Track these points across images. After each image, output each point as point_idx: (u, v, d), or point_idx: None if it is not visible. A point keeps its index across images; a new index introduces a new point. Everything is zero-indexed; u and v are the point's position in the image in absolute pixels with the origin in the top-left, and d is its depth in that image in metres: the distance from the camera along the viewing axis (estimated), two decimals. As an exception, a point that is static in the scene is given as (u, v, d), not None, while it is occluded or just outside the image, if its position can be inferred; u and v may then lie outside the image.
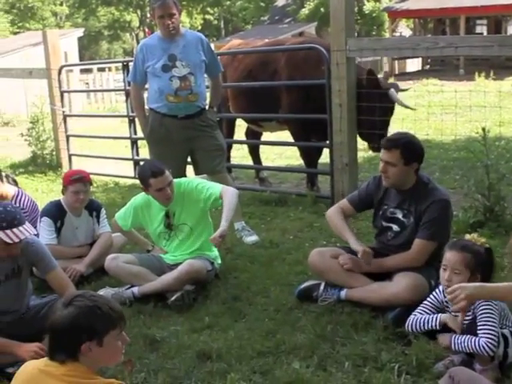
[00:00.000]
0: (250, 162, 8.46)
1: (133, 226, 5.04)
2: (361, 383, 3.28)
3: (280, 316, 4.11)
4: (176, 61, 5.45)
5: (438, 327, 3.42)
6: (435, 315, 3.47)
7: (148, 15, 46.52)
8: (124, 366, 3.58)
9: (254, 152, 8.30)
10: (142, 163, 6.29)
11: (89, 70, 23.31)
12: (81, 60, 28.61)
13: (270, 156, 9.84)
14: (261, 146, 8.53)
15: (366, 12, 36.92)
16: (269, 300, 4.37)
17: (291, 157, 9.51)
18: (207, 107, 5.77)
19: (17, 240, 3.67)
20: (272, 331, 3.89)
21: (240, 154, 9.59)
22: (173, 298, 4.38)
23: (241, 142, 8.94)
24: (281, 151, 10.07)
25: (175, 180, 4.82)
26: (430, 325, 3.45)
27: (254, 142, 8.24)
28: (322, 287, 4.21)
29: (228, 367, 3.50)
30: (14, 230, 3.67)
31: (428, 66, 31.52)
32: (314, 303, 4.18)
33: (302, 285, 4.34)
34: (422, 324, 3.49)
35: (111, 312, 2.41)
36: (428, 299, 3.61)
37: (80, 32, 27.32)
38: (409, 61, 31.10)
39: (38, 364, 2.43)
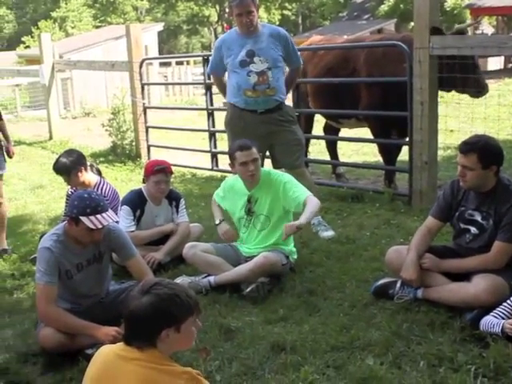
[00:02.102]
0: (326, 157, 8.43)
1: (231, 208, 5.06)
2: None
3: (355, 312, 4.09)
4: (254, 56, 5.50)
5: (500, 334, 3.35)
6: (500, 321, 3.40)
7: (226, 10, 46.86)
8: (199, 354, 3.67)
9: (332, 147, 8.27)
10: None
11: (167, 64, 23.66)
12: (160, 54, 29.08)
13: (347, 152, 9.78)
14: (338, 142, 8.48)
15: (448, 9, 36.13)
16: (344, 295, 4.36)
17: (368, 153, 9.44)
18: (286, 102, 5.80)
19: (100, 226, 3.79)
20: (346, 326, 3.88)
21: (317, 149, 9.56)
22: (248, 290, 4.43)
23: (320, 138, 8.91)
24: (358, 147, 10.01)
25: (266, 168, 4.87)
26: (494, 329, 3.39)
27: (332, 137, 8.20)
28: (398, 285, 4.16)
29: (302, 360, 3.52)
30: (98, 216, 3.79)
31: (511, 65, 30.62)
32: (389, 300, 4.14)
33: (378, 282, 4.30)
34: (488, 327, 3.42)
35: (189, 299, 2.45)
36: (508, 301, 3.53)
37: (160, 26, 27.73)
38: (490, 59, 30.28)
39: (114, 348, 2.48)
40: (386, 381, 3.24)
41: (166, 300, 2.39)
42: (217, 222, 5.01)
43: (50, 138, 12.41)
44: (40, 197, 8.20)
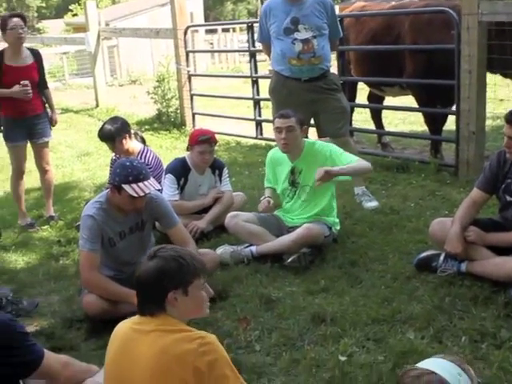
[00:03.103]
0: (371, 126, 8.32)
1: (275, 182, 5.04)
2: (477, 359, 3.17)
3: (397, 284, 4.05)
4: (298, 24, 5.41)
5: None
6: None
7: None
8: (239, 323, 3.70)
9: (377, 116, 8.15)
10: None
11: (213, 31, 23.57)
12: (205, 21, 28.96)
13: (394, 121, 9.63)
14: (383, 111, 8.35)
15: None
16: (386, 267, 4.31)
17: (415, 122, 9.27)
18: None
19: (142, 194, 3.82)
20: (388, 299, 3.85)
21: (362, 118, 9.43)
22: (289, 260, 4.42)
23: (364, 106, 8.79)
24: (404, 116, 9.84)
25: (311, 139, 4.83)
26: None
27: (377, 106, 8.08)
28: (441, 258, 4.09)
29: (342, 332, 3.51)
30: (140, 184, 3.82)
31: None
32: (432, 274, 4.08)
33: (421, 254, 4.24)
34: None
35: (194, 262, 2.46)
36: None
37: (206, -8, 27.60)
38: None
39: (130, 323, 2.49)
40: (426, 355, 3.17)
41: (170, 261, 2.41)
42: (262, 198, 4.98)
43: (97, 105, 12.53)
44: (86, 164, 8.31)
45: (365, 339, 3.44)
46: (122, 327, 2.51)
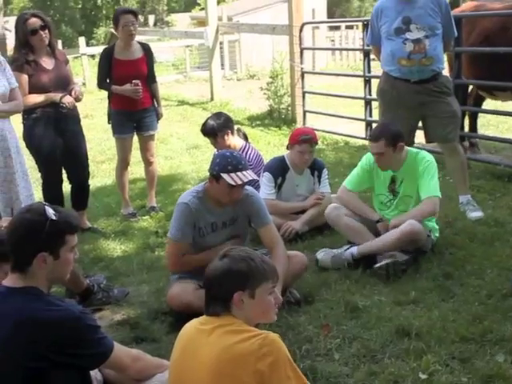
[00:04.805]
0: (486, 131, 7.93)
1: (361, 187, 4.93)
2: None
3: (492, 301, 3.83)
4: (410, 24, 5.22)
5: None
6: None
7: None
8: (321, 330, 3.62)
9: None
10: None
11: (337, 28, 23.36)
12: (330, 17, 28.76)
13: (512, 127, 9.16)
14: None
15: None
16: (482, 283, 4.09)
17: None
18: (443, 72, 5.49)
19: (240, 182, 3.83)
20: (480, 317, 3.64)
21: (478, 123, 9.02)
22: (377, 265, 4.30)
23: (479, 111, 8.40)
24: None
25: (414, 149, 4.73)
26: None
27: (489, 110, 7.71)
28: (544, 277, 3.85)
29: (426, 348, 3.35)
30: (238, 173, 3.84)
31: None
32: (532, 293, 3.84)
33: (522, 271, 4.00)
34: None
35: (264, 264, 2.42)
36: None
37: (330, -11, 27.41)
38: None
39: (195, 323, 2.49)
40: (514, 381, 3.01)
41: (239, 261, 2.39)
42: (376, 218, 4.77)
43: (212, 99, 12.71)
44: (194, 157, 8.44)
45: (449, 358, 3.27)
46: (188, 327, 2.52)
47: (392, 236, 4.41)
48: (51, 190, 5.38)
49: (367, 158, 4.85)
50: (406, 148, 4.69)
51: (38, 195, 5.35)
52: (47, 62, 5.15)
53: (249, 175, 3.87)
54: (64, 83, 5.23)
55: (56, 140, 5.22)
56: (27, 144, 5.28)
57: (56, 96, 5.11)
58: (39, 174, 5.50)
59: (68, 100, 5.14)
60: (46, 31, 5.06)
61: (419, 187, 4.56)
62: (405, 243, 4.38)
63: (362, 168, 4.85)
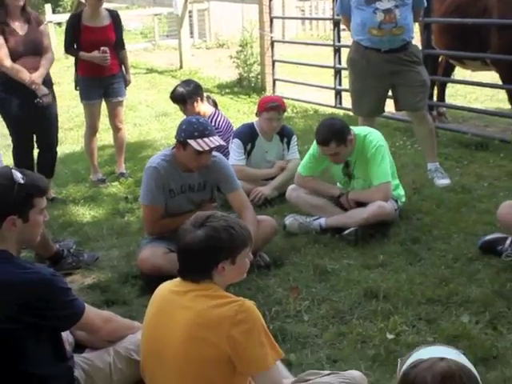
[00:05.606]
0: (455, 101, 8.00)
1: (315, 172, 4.81)
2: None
3: (458, 265, 3.91)
4: None
5: None
6: None
7: None
8: (290, 292, 3.66)
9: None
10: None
11: (305, -3, 23.20)
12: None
13: (481, 97, 9.24)
14: (471, 86, 7.98)
15: None
16: (449, 247, 4.17)
17: (503, 100, 8.85)
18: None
19: (207, 148, 3.83)
20: (446, 279, 3.72)
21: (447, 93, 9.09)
22: (346, 232, 4.34)
23: (447, 81, 8.46)
24: (493, 93, 9.41)
25: (362, 132, 4.64)
26: None
27: (463, 80, 7.75)
28: (508, 242, 3.92)
29: (393, 309, 3.42)
30: (205, 139, 3.83)
31: None
32: (496, 257, 3.91)
33: (487, 236, 4.07)
34: None
35: (243, 231, 2.41)
36: None
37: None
38: None
39: (169, 286, 2.48)
40: (478, 341, 3.09)
41: (222, 232, 2.35)
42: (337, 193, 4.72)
43: (181, 67, 12.58)
44: (163, 124, 8.40)
45: (416, 319, 3.35)
46: (162, 288, 2.51)
47: (361, 215, 4.41)
48: (22, 156, 5.31)
49: (316, 148, 4.70)
50: (354, 131, 4.57)
51: (8, 161, 5.30)
52: (19, 27, 5.05)
53: (215, 141, 3.87)
54: (35, 49, 5.14)
55: (27, 104, 5.13)
56: None
57: (26, 77, 5.02)
58: (10, 140, 5.43)
59: (46, 100, 5.11)
60: None
61: (369, 174, 4.52)
62: (373, 223, 4.39)
63: (313, 156, 4.75)
